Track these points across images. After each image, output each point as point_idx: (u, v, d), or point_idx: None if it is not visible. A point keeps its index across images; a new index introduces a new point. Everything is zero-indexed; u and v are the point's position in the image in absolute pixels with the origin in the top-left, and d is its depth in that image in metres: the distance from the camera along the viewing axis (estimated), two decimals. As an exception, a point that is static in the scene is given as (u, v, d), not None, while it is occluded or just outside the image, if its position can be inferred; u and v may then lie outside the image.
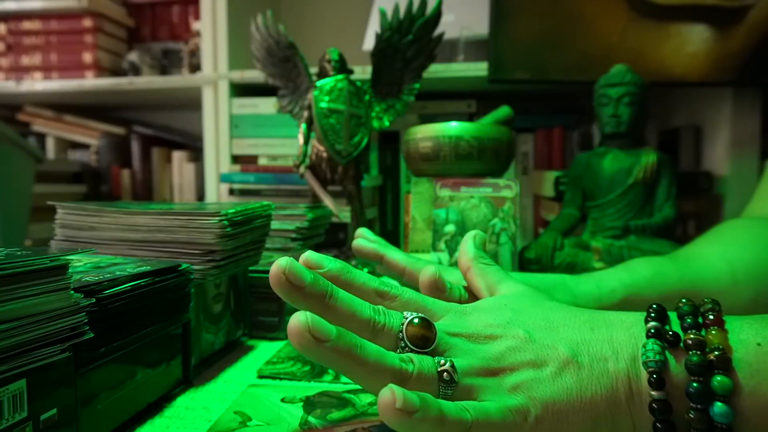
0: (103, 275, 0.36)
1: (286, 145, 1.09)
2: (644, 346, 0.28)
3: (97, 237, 0.50)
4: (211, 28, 1.10)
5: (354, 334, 0.28)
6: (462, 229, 0.69)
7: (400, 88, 0.87)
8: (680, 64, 0.86)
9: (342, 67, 0.83)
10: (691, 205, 0.92)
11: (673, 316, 0.30)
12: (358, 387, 0.41)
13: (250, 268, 0.57)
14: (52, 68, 1.24)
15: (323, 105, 0.81)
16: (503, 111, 0.80)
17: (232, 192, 1.04)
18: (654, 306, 0.30)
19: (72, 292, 0.31)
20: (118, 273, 0.37)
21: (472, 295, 0.40)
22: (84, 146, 1.37)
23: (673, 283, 0.47)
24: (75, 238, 0.51)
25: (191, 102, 1.21)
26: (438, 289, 0.38)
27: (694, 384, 0.27)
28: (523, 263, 0.72)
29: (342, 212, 0.88)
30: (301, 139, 0.84)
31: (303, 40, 0.94)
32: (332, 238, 0.98)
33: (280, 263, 0.30)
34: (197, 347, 0.47)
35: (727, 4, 0.82)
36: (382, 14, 0.81)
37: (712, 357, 0.27)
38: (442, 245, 0.70)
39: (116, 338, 0.36)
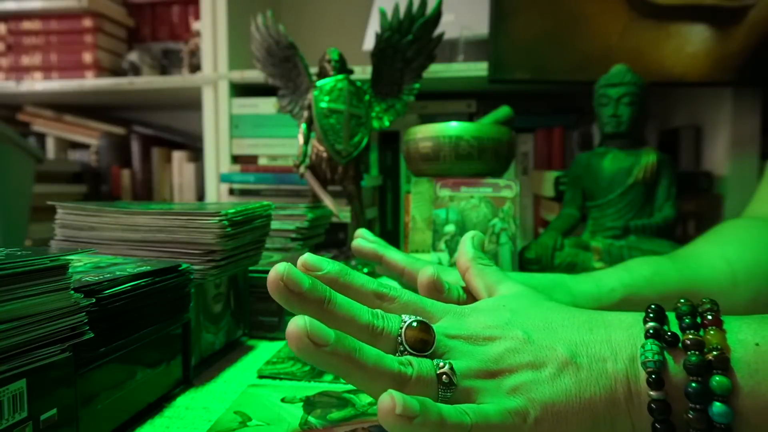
0: (103, 275, 0.36)
1: (286, 145, 1.09)
2: (643, 347, 0.28)
3: (97, 237, 0.50)
4: (211, 28, 1.10)
5: (353, 338, 0.28)
6: (462, 229, 0.69)
7: (400, 88, 0.87)
8: (680, 64, 0.86)
9: (342, 67, 0.83)
10: (691, 205, 0.92)
11: (671, 316, 0.30)
12: (358, 387, 0.41)
13: (250, 268, 0.57)
14: (52, 68, 1.24)
15: (323, 105, 0.81)
16: (503, 111, 0.80)
17: (232, 192, 1.04)
18: (652, 306, 0.30)
19: (72, 292, 0.31)
20: (118, 273, 0.37)
21: (471, 296, 0.40)
22: (84, 146, 1.37)
23: (672, 283, 0.47)
24: (75, 238, 0.51)
25: (191, 102, 1.21)
26: (436, 290, 0.38)
27: (693, 384, 0.27)
28: (523, 263, 0.72)
29: (342, 212, 0.88)
30: (301, 139, 0.84)
31: (303, 40, 0.94)
32: (332, 238, 0.98)
33: (277, 269, 0.30)
34: (197, 347, 0.47)
35: (727, 4, 0.82)
36: (382, 14, 0.81)
37: (710, 357, 0.27)
38: (442, 245, 0.70)
39: (116, 338, 0.36)
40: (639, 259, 0.51)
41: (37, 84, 1.21)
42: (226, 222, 0.47)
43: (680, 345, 0.28)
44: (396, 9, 0.80)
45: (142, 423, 0.38)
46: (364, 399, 0.39)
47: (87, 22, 1.22)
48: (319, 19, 1.37)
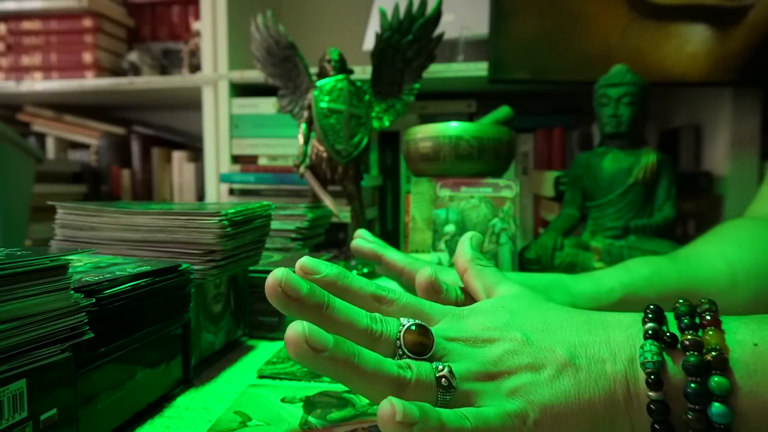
0: (103, 275, 0.36)
1: (286, 145, 1.09)
2: (642, 348, 0.28)
3: (97, 237, 0.50)
4: (211, 28, 1.11)
5: (351, 342, 0.28)
6: (462, 229, 0.69)
7: (400, 88, 0.87)
8: (680, 64, 0.86)
9: (342, 67, 0.83)
10: (691, 205, 0.92)
11: (670, 316, 0.30)
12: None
13: (250, 268, 0.57)
14: (52, 68, 1.24)
15: (323, 105, 0.81)
16: (503, 111, 0.80)
17: (232, 192, 1.04)
18: (651, 307, 0.30)
19: (72, 292, 0.31)
20: (118, 273, 0.37)
21: (469, 297, 0.40)
22: (84, 146, 1.37)
23: (671, 283, 0.47)
24: (75, 238, 0.51)
25: (191, 102, 1.21)
26: (434, 291, 0.38)
27: (692, 385, 0.27)
28: (523, 263, 0.72)
29: (342, 212, 0.88)
30: (301, 139, 0.84)
31: (303, 40, 0.94)
32: (332, 238, 0.98)
33: (275, 275, 0.30)
34: (197, 347, 0.47)
35: (727, 4, 0.82)
36: (382, 14, 0.81)
37: (709, 357, 0.27)
38: (442, 245, 0.70)
39: (116, 338, 0.36)
40: (638, 259, 0.51)
41: (37, 84, 1.21)
42: (226, 222, 0.47)
43: (679, 346, 0.28)
44: (396, 9, 0.80)
45: (142, 423, 0.38)
46: (364, 399, 0.39)
47: (87, 22, 1.22)
48: (319, 19, 1.37)
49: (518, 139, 1.12)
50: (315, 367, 0.27)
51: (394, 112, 0.88)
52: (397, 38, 0.81)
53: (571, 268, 0.70)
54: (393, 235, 1.16)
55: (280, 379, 0.45)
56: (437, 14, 0.82)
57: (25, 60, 1.25)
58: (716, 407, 0.26)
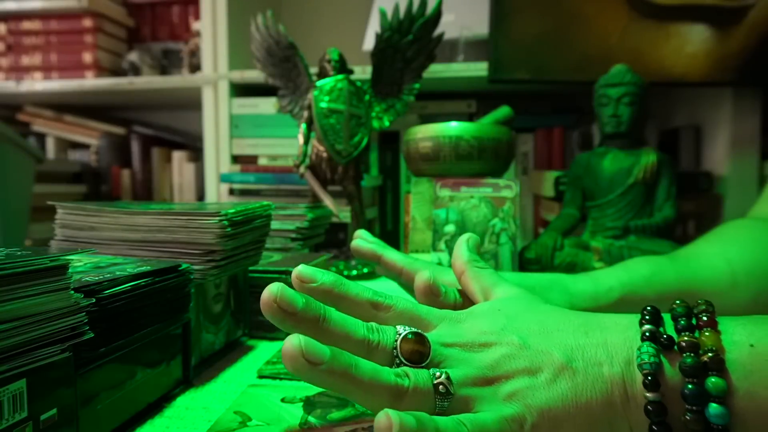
0: (103, 275, 0.36)
1: (286, 145, 1.09)
2: (639, 349, 0.28)
3: (97, 237, 0.50)
4: (211, 28, 1.11)
5: (348, 353, 0.28)
6: (462, 229, 0.69)
7: (400, 88, 0.87)
8: (680, 64, 0.86)
9: (342, 67, 0.83)
10: (691, 205, 0.92)
11: (667, 318, 0.30)
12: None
13: (250, 268, 0.57)
14: (52, 68, 1.24)
15: (323, 105, 0.81)
16: (503, 111, 0.80)
17: (232, 192, 1.04)
18: (648, 308, 0.30)
19: (72, 292, 0.31)
20: (118, 273, 0.37)
21: (467, 299, 0.40)
22: (84, 146, 1.37)
23: (671, 283, 0.47)
24: (75, 238, 0.51)
25: (191, 102, 1.21)
26: (432, 294, 0.38)
27: (689, 386, 0.27)
28: (523, 263, 0.72)
29: (342, 212, 0.88)
30: (301, 139, 0.84)
31: (303, 40, 0.94)
32: (332, 238, 0.98)
33: (271, 290, 0.30)
34: (197, 347, 0.47)
35: (727, 4, 0.82)
36: (382, 14, 0.81)
37: (705, 359, 0.27)
38: (442, 245, 0.70)
39: (116, 338, 0.36)
40: (638, 259, 0.51)
41: (37, 84, 1.21)
42: (226, 222, 0.47)
43: (676, 347, 0.28)
44: (396, 9, 0.80)
45: (142, 423, 0.38)
46: (364, 399, 0.39)
47: (87, 22, 1.22)
48: (319, 19, 1.37)
49: (518, 139, 1.12)
50: (313, 379, 0.27)
51: (394, 112, 0.88)
52: (397, 38, 0.82)
53: (571, 268, 0.70)
54: (393, 235, 1.16)
55: (280, 379, 0.45)
56: (437, 14, 0.82)
57: (25, 60, 1.25)
58: (713, 408, 0.26)
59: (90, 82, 1.19)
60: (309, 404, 0.39)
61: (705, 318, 0.29)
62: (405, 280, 0.46)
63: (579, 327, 0.31)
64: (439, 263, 0.68)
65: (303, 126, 0.84)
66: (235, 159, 1.13)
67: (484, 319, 0.32)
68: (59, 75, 1.23)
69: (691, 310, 0.30)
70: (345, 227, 0.99)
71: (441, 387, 0.28)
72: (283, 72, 0.88)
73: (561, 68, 0.89)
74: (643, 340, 0.29)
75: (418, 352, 0.29)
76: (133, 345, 0.38)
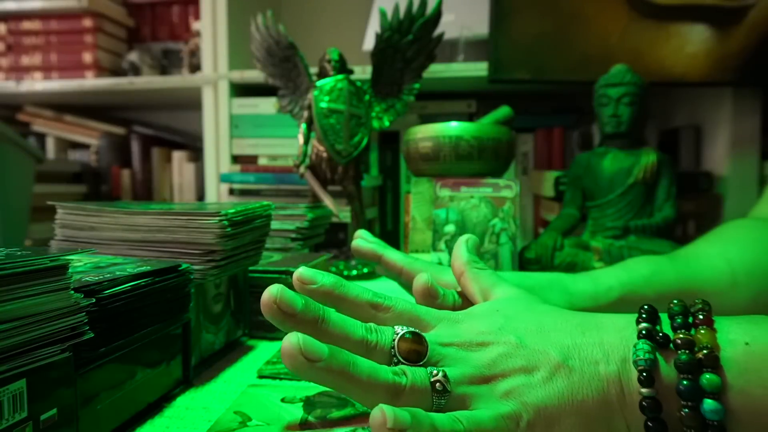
0: (103, 275, 0.36)
1: (286, 145, 1.09)
2: (635, 347, 0.28)
3: (97, 237, 0.50)
4: (211, 28, 1.11)
5: (346, 351, 0.28)
6: (462, 229, 0.69)
7: (400, 88, 0.87)
8: (680, 64, 0.86)
9: (342, 67, 0.83)
10: (691, 205, 0.92)
11: (664, 317, 0.31)
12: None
13: (250, 268, 0.57)
14: (52, 68, 1.24)
15: (323, 105, 0.81)
16: (503, 111, 0.80)
17: (232, 192, 1.04)
18: (645, 307, 0.30)
19: (72, 292, 0.31)
20: (118, 273, 0.37)
21: (466, 300, 0.40)
22: (84, 146, 1.37)
23: (670, 282, 0.47)
24: (75, 238, 0.51)
25: (191, 102, 1.21)
26: (431, 296, 0.39)
27: (684, 382, 0.27)
28: (523, 263, 0.72)
29: (342, 212, 0.88)
30: (301, 139, 0.85)
31: (303, 40, 0.94)
32: (332, 238, 0.98)
33: (270, 291, 0.30)
34: (197, 347, 0.47)
35: (727, 4, 0.82)
36: (382, 14, 0.81)
37: (700, 356, 0.27)
38: (442, 245, 0.70)
39: (116, 338, 0.36)
40: (638, 258, 0.51)
41: (37, 84, 1.21)
42: (226, 222, 0.47)
43: (671, 345, 0.28)
44: (396, 9, 0.80)
45: (142, 423, 0.38)
46: (364, 399, 0.39)
47: (87, 22, 1.22)
48: (319, 19, 1.37)
49: (518, 139, 1.12)
50: (311, 377, 0.27)
51: (394, 112, 0.88)
52: (397, 38, 0.82)
53: (571, 267, 0.70)
54: (393, 235, 1.16)
55: (280, 379, 0.45)
56: (437, 14, 0.82)
57: (25, 60, 1.25)
58: (708, 404, 0.26)
59: (90, 82, 1.19)
60: (309, 404, 0.39)
61: (701, 316, 0.29)
62: (405, 280, 0.46)
63: (576, 326, 0.31)
64: (439, 263, 0.68)
65: (303, 126, 0.84)
66: (235, 159, 1.13)
67: (482, 320, 0.32)
68: (59, 75, 1.23)
69: (688, 308, 0.30)
70: (345, 227, 0.99)
71: (438, 385, 0.28)
72: (283, 72, 0.88)
73: (561, 68, 0.89)
74: (639, 337, 0.29)
75: (415, 351, 0.30)
76: (133, 345, 0.38)
